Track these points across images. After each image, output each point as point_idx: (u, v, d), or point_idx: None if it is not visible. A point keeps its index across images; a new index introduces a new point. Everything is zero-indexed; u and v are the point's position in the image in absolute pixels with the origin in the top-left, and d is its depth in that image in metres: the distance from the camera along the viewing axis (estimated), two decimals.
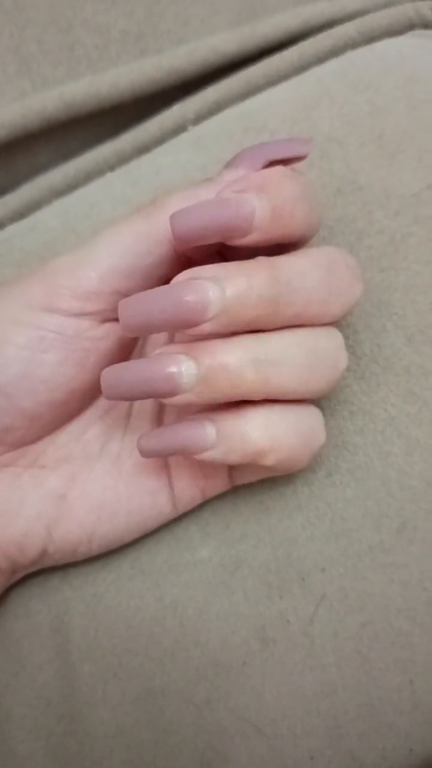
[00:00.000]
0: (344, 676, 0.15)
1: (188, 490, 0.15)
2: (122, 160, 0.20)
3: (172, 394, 0.12)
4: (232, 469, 0.15)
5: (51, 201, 0.20)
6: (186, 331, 0.12)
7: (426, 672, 0.15)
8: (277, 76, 0.21)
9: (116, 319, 0.14)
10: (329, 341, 0.13)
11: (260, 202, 0.12)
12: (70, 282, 0.13)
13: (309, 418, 0.14)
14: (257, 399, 0.13)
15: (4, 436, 0.14)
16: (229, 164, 0.13)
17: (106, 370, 0.13)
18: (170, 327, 0.12)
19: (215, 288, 0.12)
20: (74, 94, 0.20)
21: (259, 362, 0.12)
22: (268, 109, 0.20)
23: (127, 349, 0.15)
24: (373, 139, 0.19)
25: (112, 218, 0.19)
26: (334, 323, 0.14)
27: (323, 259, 0.13)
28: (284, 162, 0.13)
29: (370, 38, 0.22)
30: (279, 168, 0.13)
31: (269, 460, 0.13)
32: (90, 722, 0.16)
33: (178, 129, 0.21)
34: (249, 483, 0.16)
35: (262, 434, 0.13)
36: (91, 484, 0.14)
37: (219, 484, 0.15)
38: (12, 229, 0.19)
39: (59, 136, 0.20)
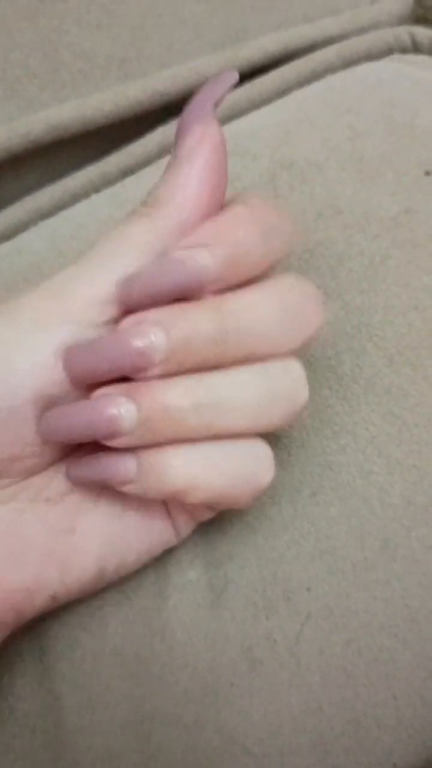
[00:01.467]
0: (329, 693, 0.15)
1: (181, 516, 0.15)
2: (108, 182, 0.21)
3: (112, 436, 0.12)
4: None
5: (37, 223, 0.20)
6: (134, 375, 0.12)
7: (409, 688, 0.15)
8: (260, 100, 0.22)
9: None
10: (286, 375, 0.13)
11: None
12: (85, 291, 0.13)
13: (249, 455, 0.13)
14: (202, 439, 0.13)
15: (11, 466, 0.13)
16: (177, 136, 0.13)
17: (46, 414, 0.13)
18: (118, 373, 0.12)
19: (160, 333, 0.12)
20: (60, 116, 0.20)
21: (201, 406, 0.12)
22: (250, 132, 0.21)
23: None
24: (353, 162, 0.20)
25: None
26: (296, 353, 0.13)
27: (277, 291, 0.13)
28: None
29: (349, 62, 0.23)
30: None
31: (192, 499, 0.13)
32: (78, 749, 0.16)
33: (163, 151, 0.21)
34: None
35: (180, 473, 0.12)
36: (99, 515, 0.14)
37: (201, 510, 0.15)
38: None
39: (45, 159, 0.21)
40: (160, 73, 0.22)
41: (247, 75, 0.22)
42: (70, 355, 0.12)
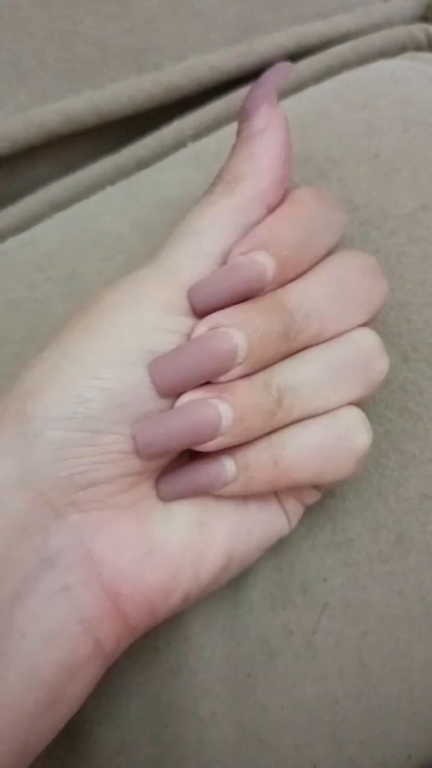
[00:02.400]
0: (345, 685, 0.16)
1: (290, 500, 0.15)
2: (122, 174, 0.21)
3: (210, 438, 0.13)
4: None
5: (51, 214, 0.21)
6: (217, 378, 0.13)
7: (424, 680, 0.16)
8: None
9: None
10: (356, 347, 0.14)
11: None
12: (191, 280, 0.13)
13: (338, 422, 0.14)
14: (287, 425, 0.13)
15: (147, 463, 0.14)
16: (243, 117, 0.15)
17: (137, 427, 0.13)
18: (203, 379, 0.13)
19: (240, 334, 0.13)
20: (75, 108, 0.21)
21: (285, 395, 0.13)
22: None
23: None
24: (369, 159, 0.20)
25: (113, 231, 0.20)
26: (368, 324, 0.14)
27: (332, 272, 0.14)
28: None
29: (364, 59, 0.24)
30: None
31: (297, 479, 0.13)
32: (93, 740, 0.16)
33: (178, 144, 0.22)
34: None
35: (279, 457, 0.13)
36: (223, 506, 0.14)
37: (309, 493, 0.15)
38: (12, 241, 0.20)
39: (59, 150, 0.22)
40: (175, 66, 0.22)
41: (261, 70, 0.23)
42: (155, 368, 0.13)
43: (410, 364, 0.18)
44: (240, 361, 0.13)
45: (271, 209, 0.14)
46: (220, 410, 0.13)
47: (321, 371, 0.14)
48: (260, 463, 0.13)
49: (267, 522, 0.15)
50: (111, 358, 0.13)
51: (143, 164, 0.21)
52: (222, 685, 0.16)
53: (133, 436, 0.13)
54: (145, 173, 0.21)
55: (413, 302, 0.18)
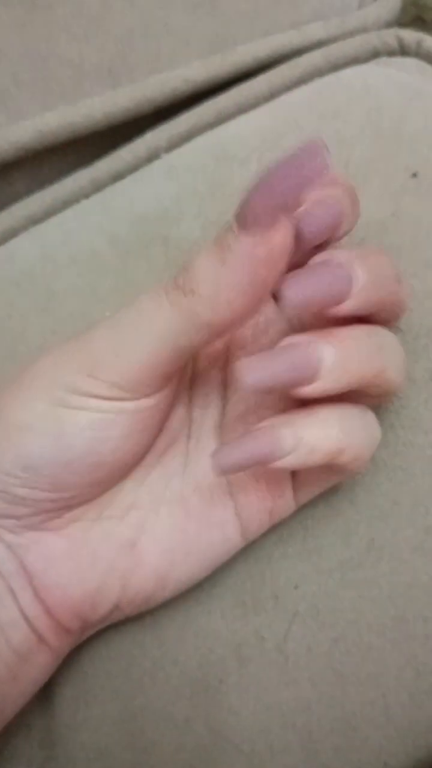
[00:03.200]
0: (318, 691, 0.17)
1: (256, 515, 0.16)
2: (97, 187, 0.22)
3: (312, 380, 0.13)
4: (295, 487, 0.16)
5: (27, 228, 0.22)
6: (330, 310, 0.13)
7: (398, 686, 0.17)
8: (247, 104, 0.23)
9: (165, 386, 0.14)
10: (397, 341, 0.15)
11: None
12: (115, 377, 0.13)
13: (369, 417, 0.15)
14: (370, 391, 0.14)
15: (71, 501, 0.15)
16: (241, 222, 0.12)
17: (243, 362, 0.13)
18: (329, 304, 0.13)
19: (358, 270, 0.13)
20: (49, 124, 0.22)
21: (382, 349, 0.14)
22: (238, 137, 0.22)
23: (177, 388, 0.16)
24: (341, 167, 0.21)
25: (89, 247, 0.21)
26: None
27: (379, 261, 0.14)
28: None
29: (336, 66, 0.24)
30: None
31: (343, 459, 0.14)
32: (71, 746, 0.17)
33: (152, 156, 0.23)
34: None
35: (339, 431, 0.14)
36: (160, 528, 0.15)
37: (285, 505, 0.16)
38: None
39: (35, 165, 0.22)
40: (147, 79, 0.23)
41: (235, 80, 0.24)
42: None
43: None
44: (355, 292, 0.13)
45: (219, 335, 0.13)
46: (323, 352, 0.13)
47: (399, 349, 0.14)
48: (318, 436, 0.13)
49: (210, 545, 0.15)
50: (21, 423, 0.14)
51: (118, 177, 0.22)
52: (195, 689, 0.17)
53: (239, 372, 0.13)
54: (119, 186, 0.22)
55: None
